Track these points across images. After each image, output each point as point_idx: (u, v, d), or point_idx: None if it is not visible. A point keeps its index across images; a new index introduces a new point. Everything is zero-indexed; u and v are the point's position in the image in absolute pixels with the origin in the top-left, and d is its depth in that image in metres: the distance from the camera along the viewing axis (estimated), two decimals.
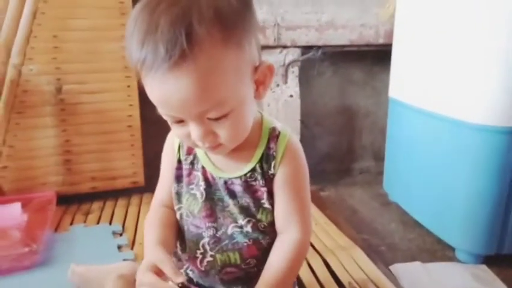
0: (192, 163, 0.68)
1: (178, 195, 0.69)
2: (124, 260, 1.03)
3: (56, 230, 1.23)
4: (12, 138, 1.30)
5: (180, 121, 0.56)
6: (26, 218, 1.17)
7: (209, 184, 0.66)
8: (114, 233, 1.20)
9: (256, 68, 0.58)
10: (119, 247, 1.12)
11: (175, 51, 0.48)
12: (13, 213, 1.19)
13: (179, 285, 0.57)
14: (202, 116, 0.54)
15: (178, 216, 0.69)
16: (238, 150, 0.64)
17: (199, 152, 0.67)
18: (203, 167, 0.66)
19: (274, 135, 0.65)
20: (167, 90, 0.51)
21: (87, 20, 1.29)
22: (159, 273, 0.55)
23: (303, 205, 0.66)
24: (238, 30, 0.53)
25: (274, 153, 0.64)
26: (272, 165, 0.64)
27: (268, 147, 0.65)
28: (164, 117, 0.57)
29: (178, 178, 0.69)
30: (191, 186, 0.67)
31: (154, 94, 0.53)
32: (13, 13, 1.23)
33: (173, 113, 0.54)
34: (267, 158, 0.64)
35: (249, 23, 0.56)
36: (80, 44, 1.30)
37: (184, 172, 0.68)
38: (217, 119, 0.54)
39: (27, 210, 1.21)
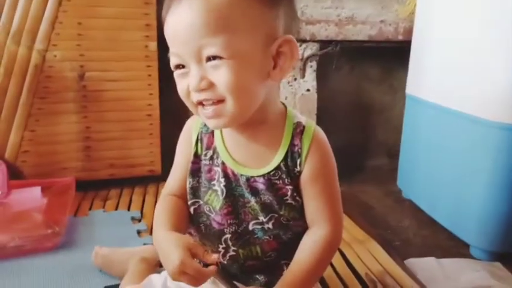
0: (212, 158, 0.66)
1: (194, 189, 0.67)
2: (144, 244, 1.04)
3: (75, 214, 1.24)
4: (34, 123, 1.32)
5: (183, 68, 0.57)
6: (46, 202, 1.19)
7: (229, 180, 0.64)
8: (133, 218, 1.21)
9: (275, 39, 0.57)
10: (139, 232, 1.13)
11: None
12: (33, 196, 1.21)
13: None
14: (201, 54, 0.54)
15: (192, 210, 0.68)
16: (260, 143, 0.63)
17: (219, 146, 0.66)
18: (223, 163, 0.64)
19: (298, 131, 0.64)
20: (179, 14, 0.54)
21: (112, 8, 1.31)
22: (194, 257, 0.55)
23: (333, 200, 0.65)
24: None
25: (299, 150, 0.63)
26: (298, 163, 0.63)
27: (292, 144, 0.63)
28: (172, 62, 0.58)
29: (194, 172, 0.67)
30: (213, 183, 0.65)
31: (168, 25, 0.56)
32: None
33: (177, 46, 0.56)
34: (292, 156, 0.63)
35: None
36: (104, 31, 1.32)
37: (205, 168, 0.66)
38: (215, 60, 0.54)
39: (46, 194, 1.23)
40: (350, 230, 1.21)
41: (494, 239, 1.13)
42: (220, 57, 0.54)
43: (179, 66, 0.57)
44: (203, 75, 0.55)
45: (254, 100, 0.59)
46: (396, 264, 1.04)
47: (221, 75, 0.54)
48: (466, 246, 1.21)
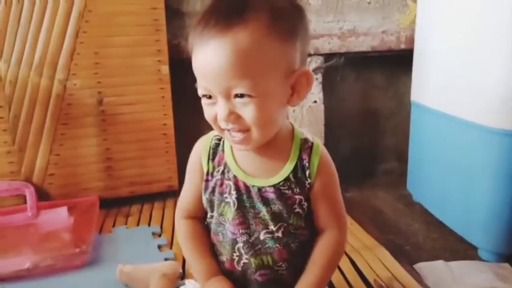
0: (223, 173, 0.71)
1: (210, 203, 0.73)
2: (165, 259, 1.11)
3: (100, 232, 1.32)
4: (58, 147, 1.41)
5: (211, 98, 0.62)
6: (73, 221, 1.27)
7: (240, 193, 0.70)
8: (153, 233, 1.28)
9: (293, 72, 0.63)
10: (160, 247, 1.20)
11: (224, 21, 0.57)
12: (61, 216, 1.29)
13: None
14: (230, 92, 0.59)
15: (213, 221, 0.74)
16: (269, 157, 0.69)
17: (230, 162, 0.71)
18: (235, 176, 0.70)
19: (306, 147, 0.70)
20: (208, 54, 0.58)
21: (125, 37, 1.39)
22: None
23: (340, 208, 0.74)
24: (284, 26, 0.61)
25: (307, 163, 0.69)
26: (307, 175, 0.69)
27: (301, 158, 0.70)
28: (200, 92, 0.63)
29: (209, 188, 0.73)
30: (225, 195, 0.71)
31: (197, 60, 0.61)
32: (58, 33, 1.34)
33: (207, 82, 0.60)
34: (301, 169, 0.69)
35: (297, 26, 0.63)
36: (119, 59, 1.40)
37: (217, 182, 0.72)
38: (243, 98, 0.59)
39: (72, 213, 1.31)
40: (360, 236, 1.26)
41: (501, 240, 1.16)
42: (248, 95, 0.59)
43: (207, 96, 0.63)
44: (231, 109, 0.61)
45: (275, 126, 0.66)
46: (404, 269, 1.08)
47: (248, 110, 0.60)
48: (475, 248, 1.23)
